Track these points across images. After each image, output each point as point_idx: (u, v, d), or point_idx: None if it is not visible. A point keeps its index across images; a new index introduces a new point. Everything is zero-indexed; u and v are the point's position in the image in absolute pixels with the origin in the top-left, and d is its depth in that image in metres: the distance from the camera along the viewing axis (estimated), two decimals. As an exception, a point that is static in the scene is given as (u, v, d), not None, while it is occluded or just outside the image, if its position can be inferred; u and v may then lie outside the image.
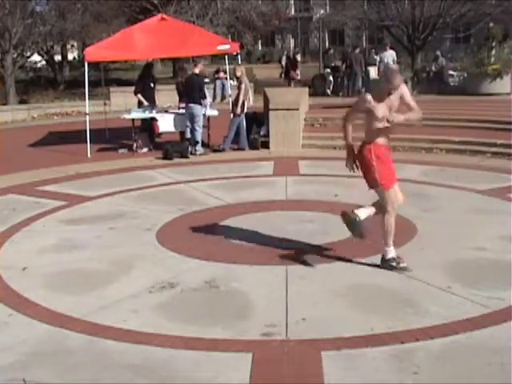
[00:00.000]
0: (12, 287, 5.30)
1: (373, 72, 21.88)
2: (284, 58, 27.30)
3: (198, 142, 11.75)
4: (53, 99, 23.12)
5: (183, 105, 12.16)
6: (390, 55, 20.83)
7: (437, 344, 4.10)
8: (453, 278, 5.22)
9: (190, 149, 11.64)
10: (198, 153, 11.56)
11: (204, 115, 12.04)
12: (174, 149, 11.43)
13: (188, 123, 11.92)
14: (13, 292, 5.20)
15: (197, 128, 11.77)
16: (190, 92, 11.83)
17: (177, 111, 12.61)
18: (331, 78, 21.47)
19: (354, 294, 4.97)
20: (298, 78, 23.31)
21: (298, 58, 25.51)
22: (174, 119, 12.27)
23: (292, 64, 23.59)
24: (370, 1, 29.85)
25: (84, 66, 12.89)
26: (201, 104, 11.84)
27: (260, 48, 52.59)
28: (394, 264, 5.41)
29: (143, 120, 12.63)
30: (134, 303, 4.91)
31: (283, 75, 24.78)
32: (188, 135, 12.00)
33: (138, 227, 7.00)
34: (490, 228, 6.60)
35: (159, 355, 4.06)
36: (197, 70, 12.10)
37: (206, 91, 13.44)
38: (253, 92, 18.78)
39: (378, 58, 22.07)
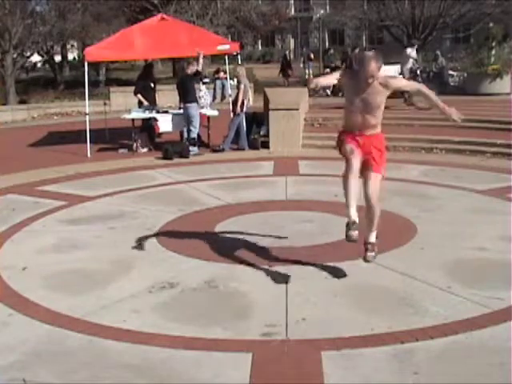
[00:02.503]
0: (12, 287, 5.30)
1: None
2: (287, 56, 30.29)
3: (194, 143, 11.75)
4: (53, 99, 23.15)
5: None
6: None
7: (437, 344, 4.10)
8: (453, 278, 5.22)
9: (196, 149, 11.69)
10: (191, 153, 11.55)
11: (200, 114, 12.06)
12: (174, 149, 11.44)
13: (185, 123, 11.95)
14: (13, 292, 5.20)
15: (191, 128, 11.77)
16: (184, 92, 11.84)
17: (177, 111, 12.62)
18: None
19: (354, 294, 4.97)
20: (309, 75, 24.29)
21: (312, 56, 27.19)
22: (174, 119, 12.28)
23: (287, 63, 26.74)
24: (370, 1, 29.90)
25: (84, 65, 12.89)
26: (197, 103, 11.84)
27: (260, 48, 52.61)
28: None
29: (143, 120, 12.64)
30: (134, 303, 4.90)
31: (280, 73, 27.18)
32: (185, 135, 12.02)
33: (138, 227, 7.00)
34: (490, 228, 6.59)
35: (159, 355, 4.05)
36: (189, 71, 12.09)
37: (205, 91, 13.45)
38: (253, 92, 18.79)
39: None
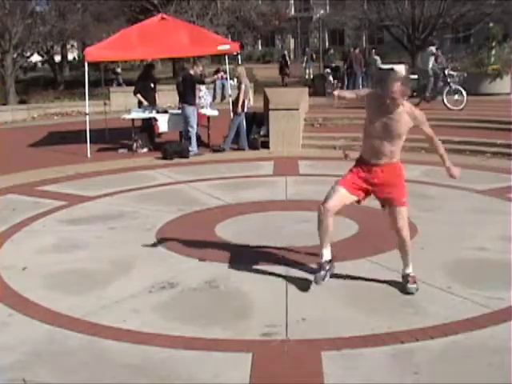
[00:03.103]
0: (12, 287, 5.30)
1: (379, 61, 21.69)
2: (286, 56, 32.04)
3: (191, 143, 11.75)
4: (53, 99, 23.16)
5: None
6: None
7: (437, 344, 4.10)
8: (453, 278, 5.22)
9: (196, 149, 11.68)
10: (191, 153, 11.53)
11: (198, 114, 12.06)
12: (173, 149, 11.43)
13: (183, 123, 11.92)
14: (13, 292, 5.20)
15: (189, 128, 11.74)
16: (182, 92, 11.83)
17: (176, 111, 12.61)
18: (331, 77, 21.50)
19: (353, 294, 4.97)
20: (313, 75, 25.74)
21: (314, 56, 29.98)
22: (173, 119, 12.26)
23: (285, 63, 28.59)
24: (370, 1, 29.87)
25: (84, 65, 12.90)
26: (192, 104, 11.80)
27: (260, 48, 52.61)
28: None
29: (143, 120, 12.64)
30: (134, 303, 4.90)
31: (278, 72, 29.06)
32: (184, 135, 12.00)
33: (138, 227, 7.00)
34: (490, 228, 6.59)
35: (159, 355, 4.05)
36: (192, 71, 12.07)
37: (205, 91, 13.45)
38: (253, 92, 18.79)
39: (377, 59, 22.02)
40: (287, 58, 31.92)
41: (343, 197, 4.89)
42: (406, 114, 4.70)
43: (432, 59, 16.07)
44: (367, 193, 4.97)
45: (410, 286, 4.93)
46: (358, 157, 5.01)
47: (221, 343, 4.20)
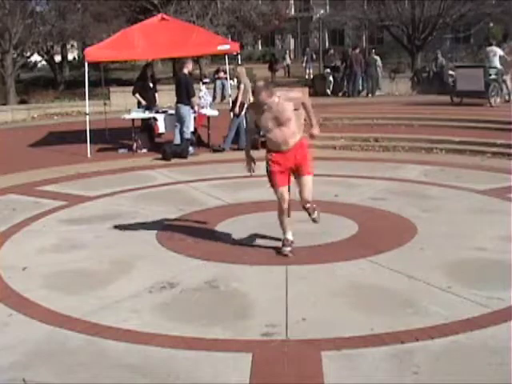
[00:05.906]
0: (12, 287, 5.30)
1: (379, 61, 21.74)
2: (287, 56, 35.48)
3: (191, 144, 11.69)
4: (53, 99, 23.16)
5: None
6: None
7: (437, 344, 4.10)
8: (453, 278, 5.21)
9: (191, 149, 11.65)
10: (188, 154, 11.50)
11: (195, 113, 12.00)
12: (172, 150, 11.41)
13: (176, 123, 11.85)
14: (13, 292, 5.20)
15: (184, 129, 11.68)
16: (177, 92, 11.80)
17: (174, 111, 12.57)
18: (331, 78, 21.50)
19: (354, 294, 4.97)
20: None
21: (314, 57, 32.01)
22: (173, 120, 12.22)
23: (275, 60, 31.61)
24: (370, 1, 29.87)
25: (84, 65, 12.90)
26: (187, 104, 11.74)
27: (260, 48, 52.61)
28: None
29: (143, 120, 12.63)
30: (134, 303, 4.90)
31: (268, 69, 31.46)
32: (177, 136, 11.89)
33: (138, 227, 6.99)
34: (490, 228, 6.59)
35: (159, 355, 4.05)
36: (185, 70, 12.01)
37: (205, 91, 13.44)
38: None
39: (377, 59, 22.02)
40: (287, 56, 34.78)
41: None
42: (284, 101, 5.62)
43: (497, 58, 15.74)
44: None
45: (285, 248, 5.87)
46: (268, 149, 5.93)
47: (221, 343, 4.19)
